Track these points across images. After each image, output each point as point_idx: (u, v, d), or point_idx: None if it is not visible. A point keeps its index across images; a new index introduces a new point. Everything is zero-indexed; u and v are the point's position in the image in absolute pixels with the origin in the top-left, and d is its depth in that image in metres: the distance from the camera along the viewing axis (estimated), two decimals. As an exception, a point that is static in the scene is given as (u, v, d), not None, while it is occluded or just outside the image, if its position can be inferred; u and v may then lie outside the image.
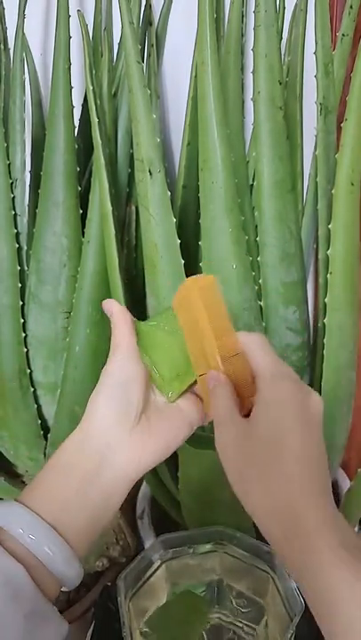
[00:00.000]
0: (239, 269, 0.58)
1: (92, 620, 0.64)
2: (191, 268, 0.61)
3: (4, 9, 0.71)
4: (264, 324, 0.62)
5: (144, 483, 0.74)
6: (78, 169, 0.65)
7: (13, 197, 0.68)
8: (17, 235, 0.68)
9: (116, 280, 0.60)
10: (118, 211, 0.63)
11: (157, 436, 0.41)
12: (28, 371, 0.69)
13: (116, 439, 0.40)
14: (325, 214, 0.59)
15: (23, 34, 0.68)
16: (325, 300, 0.58)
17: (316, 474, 0.35)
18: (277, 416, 0.37)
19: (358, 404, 0.65)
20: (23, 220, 0.70)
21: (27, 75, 0.70)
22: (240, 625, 0.54)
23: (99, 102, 0.59)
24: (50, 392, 0.70)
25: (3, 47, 0.70)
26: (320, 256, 0.62)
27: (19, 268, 0.68)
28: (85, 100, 0.70)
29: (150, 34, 0.71)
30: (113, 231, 0.59)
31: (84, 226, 0.65)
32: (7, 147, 0.67)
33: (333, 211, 0.56)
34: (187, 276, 0.59)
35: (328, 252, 0.57)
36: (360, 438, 0.79)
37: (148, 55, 0.71)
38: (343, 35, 0.61)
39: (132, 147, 0.61)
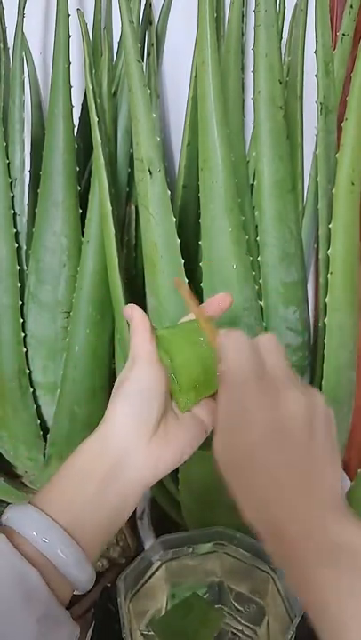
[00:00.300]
0: (239, 269, 0.58)
1: (91, 621, 0.64)
2: (191, 267, 0.61)
3: (3, 8, 0.71)
4: (264, 323, 0.62)
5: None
6: (78, 168, 0.65)
7: (12, 197, 0.68)
8: (16, 234, 0.68)
9: (116, 280, 0.60)
10: (118, 210, 0.63)
11: (174, 443, 0.41)
12: (28, 371, 0.69)
13: (134, 446, 0.40)
14: (326, 214, 0.59)
15: (23, 33, 0.68)
16: (326, 299, 0.58)
17: (299, 484, 0.33)
18: (247, 428, 0.35)
19: (358, 404, 0.65)
20: (22, 220, 0.70)
21: (26, 74, 0.70)
22: (240, 627, 0.53)
23: (98, 101, 0.59)
24: (49, 392, 0.70)
25: (2, 46, 0.70)
26: (320, 256, 0.61)
27: (18, 267, 0.68)
28: (85, 99, 0.70)
29: (150, 33, 0.71)
30: (113, 231, 0.59)
31: (83, 225, 0.65)
32: (6, 146, 0.67)
33: (334, 210, 0.56)
34: (187, 276, 0.59)
35: (328, 251, 0.57)
36: (360, 438, 0.79)
37: (148, 54, 0.71)
38: (344, 34, 0.61)
39: (131, 146, 0.61)
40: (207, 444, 0.41)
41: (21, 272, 0.69)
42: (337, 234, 0.56)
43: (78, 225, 0.66)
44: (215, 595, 0.55)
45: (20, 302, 0.68)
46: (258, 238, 0.61)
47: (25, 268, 0.69)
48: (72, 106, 0.63)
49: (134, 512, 0.72)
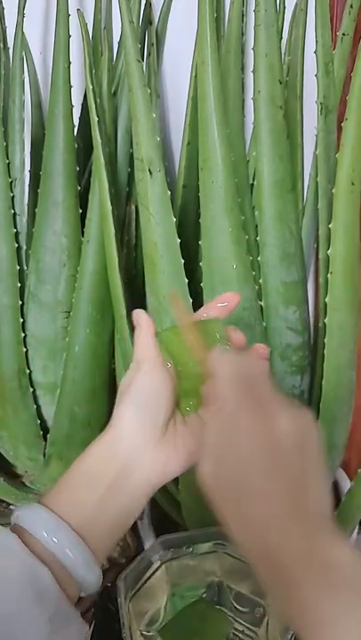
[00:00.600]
0: (239, 269, 0.58)
1: (91, 621, 0.64)
2: (191, 267, 0.61)
3: (3, 8, 0.71)
4: (264, 323, 0.62)
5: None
6: (78, 168, 0.65)
7: (12, 197, 0.68)
8: (16, 234, 0.68)
9: (116, 279, 0.60)
10: (118, 210, 0.63)
11: (181, 446, 0.41)
12: (28, 371, 0.69)
13: (141, 450, 0.40)
14: (326, 214, 0.59)
15: (23, 33, 0.68)
16: (326, 299, 0.58)
17: (291, 507, 0.33)
18: (238, 453, 0.35)
19: (358, 404, 0.65)
20: (22, 220, 0.70)
21: (26, 74, 0.70)
22: (240, 628, 0.53)
23: (98, 101, 0.59)
24: (49, 392, 0.70)
25: (2, 46, 0.70)
26: (320, 256, 0.61)
27: (18, 267, 0.68)
28: (85, 99, 0.70)
29: (150, 33, 0.71)
30: (113, 230, 0.59)
31: (83, 225, 0.65)
32: (6, 146, 0.67)
33: (334, 210, 0.56)
34: (187, 276, 0.59)
35: (328, 251, 0.57)
36: (360, 438, 0.79)
37: (148, 54, 0.71)
38: (343, 34, 0.61)
39: (131, 146, 0.61)
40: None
41: (21, 272, 0.69)
42: (337, 234, 0.56)
43: (78, 225, 0.66)
44: (215, 595, 0.55)
45: (20, 302, 0.68)
46: (258, 238, 0.61)
47: (25, 267, 0.69)
48: (72, 106, 0.63)
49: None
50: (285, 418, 0.35)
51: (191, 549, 0.54)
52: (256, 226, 0.61)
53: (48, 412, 0.71)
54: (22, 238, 0.70)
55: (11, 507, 0.73)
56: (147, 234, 0.58)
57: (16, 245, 0.68)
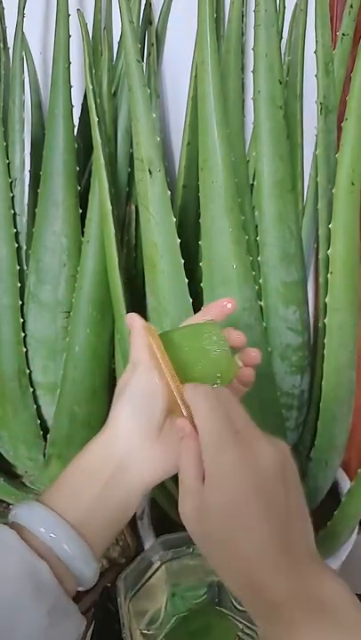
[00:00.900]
0: (239, 269, 0.58)
1: (91, 621, 0.64)
2: (191, 267, 0.61)
3: (3, 8, 0.71)
4: (264, 323, 0.62)
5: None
6: (78, 168, 0.65)
7: (12, 197, 0.68)
8: (16, 234, 0.68)
9: (116, 280, 0.60)
10: (118, 210, 0.63)
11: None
12: (28, 371, 0.69)
13: (137, 449, 0.41)
14: (326, 214, 0.59)
15: (23, 33, 0.68)
16: (326, 299, 0.58)
17: (280, 542, 0.33)
18: (226, 491, 0.34)
19: (358, 404, 0.65)
20: (22, 220, 0.70)
21: (26, 74, 0.70)
22: (240, 626, 0.53)
23: (98, 101, 0.59)
24: (49, 392, 0.70)
25: (2, 46, 0.70)
26: (320, 256, 0.61)
27: (18, 267, 0.68)
28: (85, 99, 0.70)
29: (150, 33, 0.71)
30: (113, 231, 0.59)
31: (83, 225, 0.65)
32: (6, 146, 0.67)
33: (334, 210, 0.56)
34: (187, 276, 0.59)
35: (328, 251, 0.57)
36: (360, 438, 0.79)
37: (148, 54, 0.71)
38: (343, 34, 0.61)
39: (131, 146, 0.61)
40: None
41: (21, 272, 0.69)
42: (337, 234, 0.56)
43: (78, 225, 0.66)
44: (215, 595, 0.55)
45: (20, 302, 0.68)
46: (258, 238, 0.61)
47: (25, 267, 0.69)
48: (72, 106, 0.63)
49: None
50: (264, 448, 0.36)
51: (191, 549, 0.54)
52: (256, 226, 0.61)
53: (48, 412, 0.71)
54: (22, 238, 0.70)
55: (11, 507, 0.73)
56: (147, 234, 0.59)
57: (16, 245, 0.68)
